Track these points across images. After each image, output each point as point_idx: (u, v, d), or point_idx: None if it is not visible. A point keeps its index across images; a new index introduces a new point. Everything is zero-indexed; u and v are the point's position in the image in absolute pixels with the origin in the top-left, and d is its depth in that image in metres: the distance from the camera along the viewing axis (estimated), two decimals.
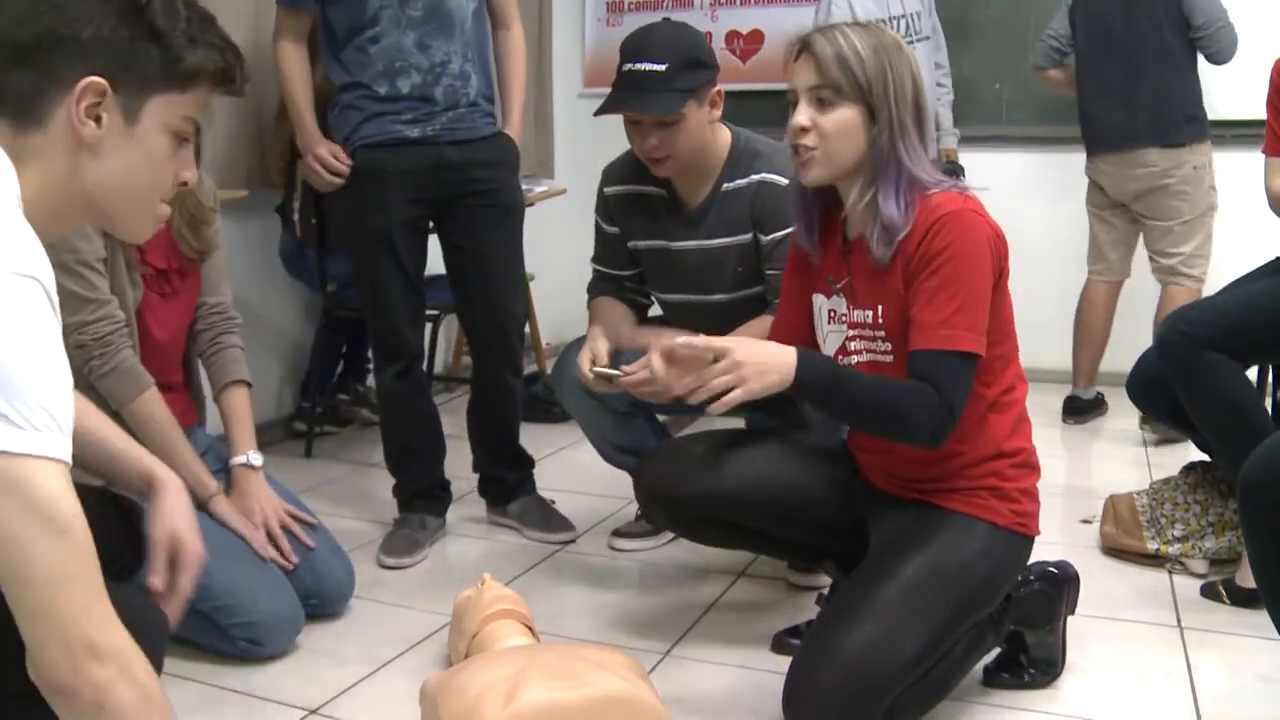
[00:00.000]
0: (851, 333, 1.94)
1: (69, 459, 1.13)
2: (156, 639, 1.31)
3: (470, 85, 2.74)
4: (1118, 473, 3.40)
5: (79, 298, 2.06)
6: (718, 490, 2.06)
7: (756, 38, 5.19)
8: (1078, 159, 4.71)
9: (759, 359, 1.78)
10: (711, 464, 2.08)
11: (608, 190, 2.64)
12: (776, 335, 2.11)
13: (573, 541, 2.88)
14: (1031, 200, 4.81)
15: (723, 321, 2.40)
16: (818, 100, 1.84)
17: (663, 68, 2.32)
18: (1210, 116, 3.96)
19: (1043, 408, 4.40)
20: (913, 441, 1.82)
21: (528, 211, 4.16)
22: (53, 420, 1.10)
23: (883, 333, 1.89)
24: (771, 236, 2.41)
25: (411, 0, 2.62)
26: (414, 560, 2.72)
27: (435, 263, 2.94)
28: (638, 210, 2.58)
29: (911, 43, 4.18)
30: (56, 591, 1.12)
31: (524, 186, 4.12)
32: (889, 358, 1.89)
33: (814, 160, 1.86)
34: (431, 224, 2.84)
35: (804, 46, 1.87)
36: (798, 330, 2.08)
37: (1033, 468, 1.97)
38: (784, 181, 2.37)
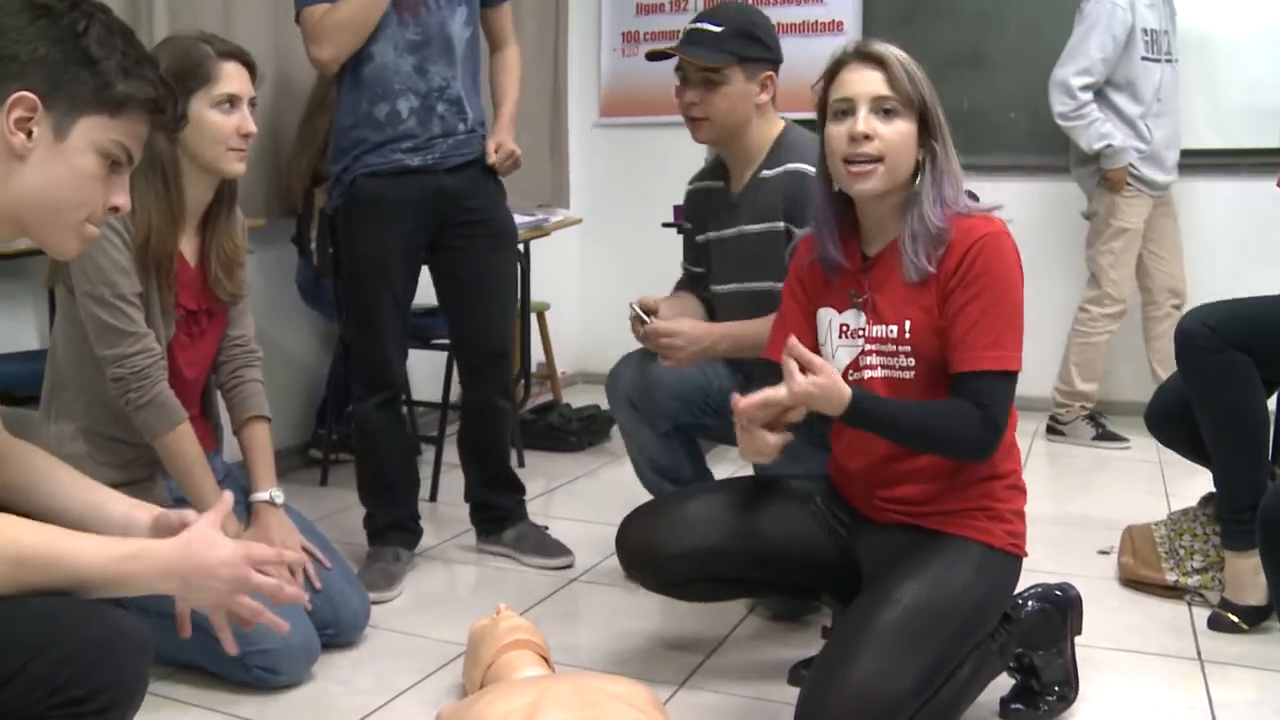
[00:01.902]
0: (869, 348, 1.94)
1: None
2: (136, 656, 1.32)
3: (467, 111, 2.76)
4: (1135, 503, 3.38)
5: (116, 331, 2.08)
6: (702, 546, 2.04)
7: None
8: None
9: (814, 400, 1.79)
10: (691, 522, 2.07)
11: (688, 189, 2.72)
12: (775, 351, 2.08)
13: (570, 567, 2.88)
14: (1044, 230, 4.82)
15: (769, 312, 2.40)
16: (883, 111, 1.87)
17: (718, 29, 2.43)
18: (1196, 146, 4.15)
19: (1061, 439, 4.39)
20: (961, 459, 1.88)
21: (543, 241, 4.22)
22: None
23: (908, 348, 1.89)
24: (804, 230, 2.42)
25: (410, 23, 2.65)
26: (393, 594, 2.69)
27: (426, 292, 2.97)
28: (702, 205, 2.65)
29: (1174, 63, 4.19)
30: None
31: (536, 215, 4.17)
32: (909, 374, 1.90)
33: (876, 171, 1.87)
34: (424, 254, 2.86)
35: (867, 56, 1.89)
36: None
37: (1021, 490, 1.98)
38: (813, 170, 2.37)
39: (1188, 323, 2.42)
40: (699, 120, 2.47)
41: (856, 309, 1.96)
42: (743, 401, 1.82)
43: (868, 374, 1.94)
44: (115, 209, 1.43)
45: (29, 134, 1.33)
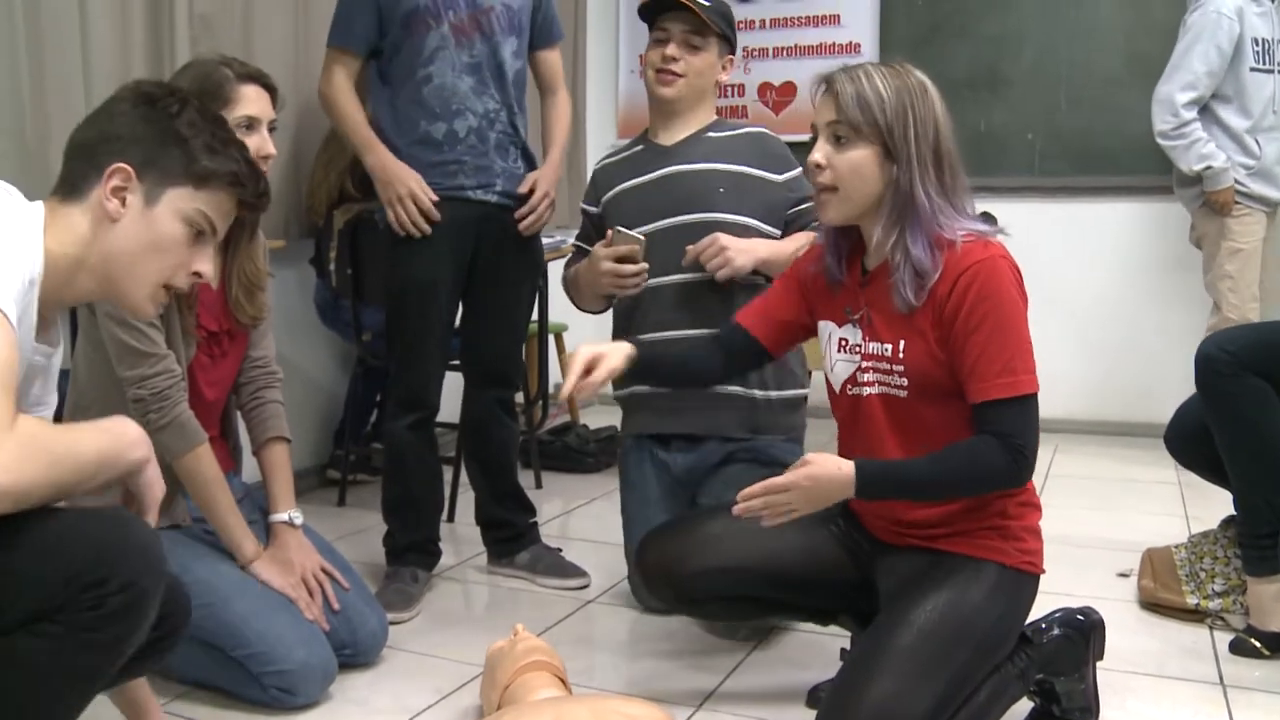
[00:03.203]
0: (865, 364, 1.95)
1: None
2: (142, 535, 1.46)
3: (517, 137, 2.81)
4: (1155, 525, 3.36)
5: (137, 352, 2.09)
6: (722, 565, 2.05)
7: (789, 90, 5.24)
8: (1109, 209, 4.73)
9: (820, 489, 1.84)
10: (712, 539, 2.07)
11: (595, 168, 2.88)
12: (745, 319, 2.16)
13: (586, 588, 2.88)
14: (1064, 251, 4.82)
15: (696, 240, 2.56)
16: (835, 138, 1.87)
17: (708, 3, 2.66)
18: None
19: (1080, 460, 4.37)
20: (998, 490, 1.86)
21: (560, 263, 4.23)
22: None
23: (901, 368, 1.89)
24: (786, 175, 2.68)
25: (466, 44, 2.69)
26: (411, 614, 2.68)
27: None
28: (616, 168, 2.79)
29: None
30: None
31: (556, 237, 4.20)
32: (903, 392, 1.90)
33: (831, 200, 1.89)
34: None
35: (827, 84, 1.89)
36: (772, 327, 2.12)
37: (1035, 506, 1.96)
38: (772, 134, 2.74)
39: (1207, 347, 2.40)
40: (674, 76, 2.66)
41: (853, 324, 1.97)
42: (741, 497, 1.88)
43: (865, 390, 1.95)
44: (198, 275, 1.60)
45: (123, 201, 1.52)
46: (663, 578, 2.15)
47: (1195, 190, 4.05)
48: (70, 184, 1.53)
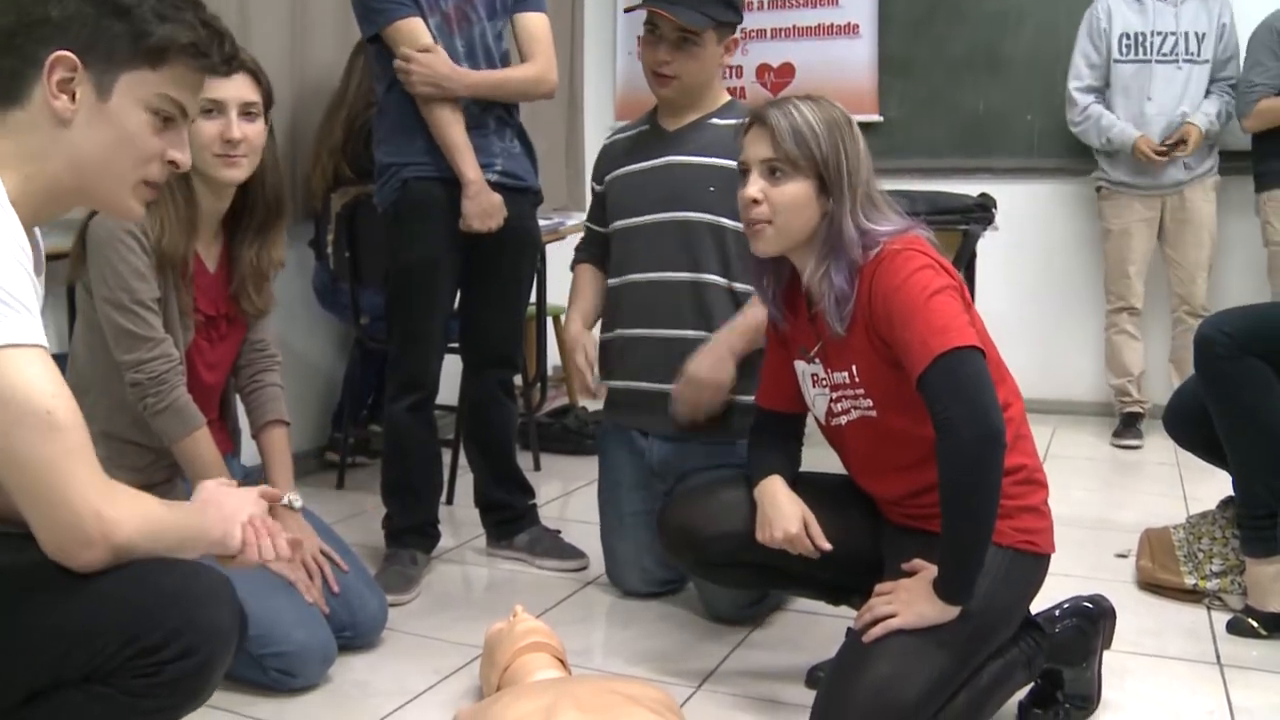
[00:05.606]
0: (834, 394, 1.97)
1: (40, 338, 1.19)
2: (210, 597, 1.35)
3: (512, 119, 2.81)
4: (1153, 506, 3.37)
5: (135, 336, 2.09)
6: (744, 530, 2.05)
7: (787, 71, 5.22)
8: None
9: (915, 597, 1.80)
10: (734, 504, 2.09)
11: (603, 144, 2.81)
12: (766, 399, 2.16)
13: (585, 569, 2.89)
14: (1061, 232, 4.81)
15: (682, 243, 2.52)
16: (770, 171, 1.88)
17: None
18: None
19: (1078, 441, 4.37)
20: (996, 458, 1.73)
21: (559, 245, 4.23)
22: (11, 303, 1.16)
23: (862, 390, 1.91)
24: None
25: (456, 32, 2.68)
26: (411, 596, 2.69)
27: None
28: (619, 148, 2.73)
29: (1179, 64, 4.15)
30: (51, 473, 1.19)
31: (554, 219, 4.18)
32: (873, 412, 1.91)
33: (765, 232, 1.90)
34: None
35: (757, 119, 1.91)
36: (787, 393, 2.11)
37: (1037, 484, 1.95)
38: None
39: (1205, 329, 2.40)
40: (668, 78, 2.55)
41: (815, 359, 1.99)
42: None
43: (843, 419, 1.97)
44: (174, 164, 1.38)
45: (72, 96, 1.28)
46: (683, 540, 2.18)
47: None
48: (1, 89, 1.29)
